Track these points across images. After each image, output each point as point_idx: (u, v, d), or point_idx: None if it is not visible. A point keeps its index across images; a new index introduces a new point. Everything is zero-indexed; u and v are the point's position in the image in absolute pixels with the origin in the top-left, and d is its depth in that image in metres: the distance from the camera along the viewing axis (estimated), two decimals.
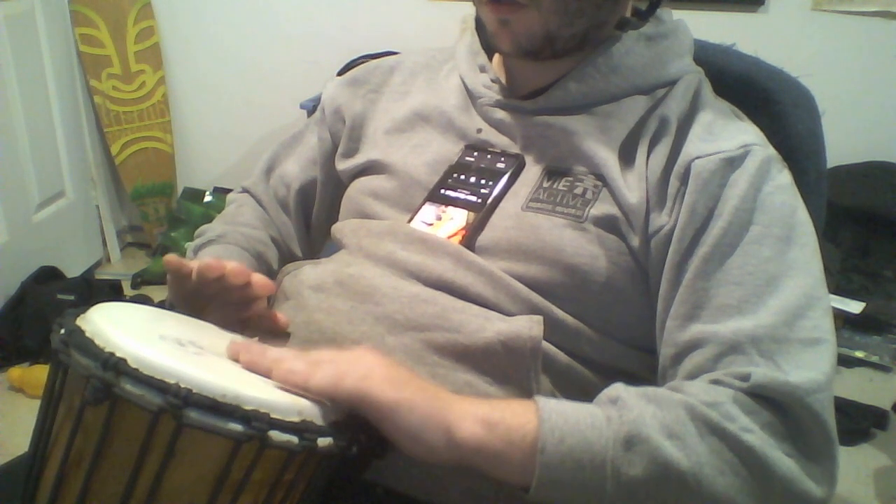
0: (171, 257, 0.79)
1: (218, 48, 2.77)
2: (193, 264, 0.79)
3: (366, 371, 0.64)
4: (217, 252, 0.92)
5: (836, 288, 2.24)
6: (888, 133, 2.39)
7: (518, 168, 0.85)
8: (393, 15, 2.60)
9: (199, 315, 0.81)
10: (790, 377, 0.67)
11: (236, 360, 0.68)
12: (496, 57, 0.92)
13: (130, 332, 0.61)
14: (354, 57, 2.45)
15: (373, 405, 0.63)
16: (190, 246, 0.97)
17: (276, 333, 0.82)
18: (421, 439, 0.63)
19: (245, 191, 1.08)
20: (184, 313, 0.80)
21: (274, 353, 0.68)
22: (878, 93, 2.37)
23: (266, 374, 0.65)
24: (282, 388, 0.64)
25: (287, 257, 1.04)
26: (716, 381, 0.69)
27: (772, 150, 0.79)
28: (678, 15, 0.89)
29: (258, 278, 0.80)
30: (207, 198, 2.80)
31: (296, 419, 0.59)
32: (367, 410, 0.63)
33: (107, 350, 0.57)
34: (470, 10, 0.90)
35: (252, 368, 0.67)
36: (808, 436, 0.67)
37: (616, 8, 0.83)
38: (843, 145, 2.19)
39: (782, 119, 0.91)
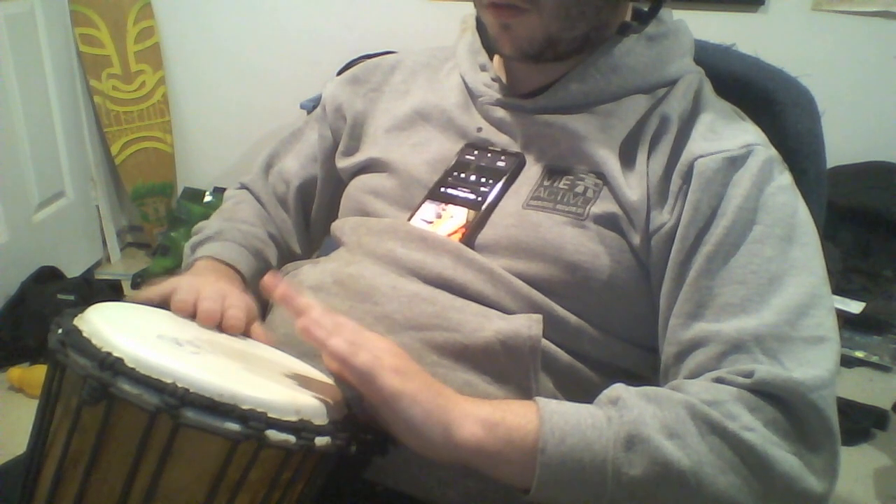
0: (139, 294, 0.78)
1: (218, 48, 2.77)
2: (165, 294, 0.77)
3: (377, 354, 0.64)
4: (215, 250, 0.92)
5: (836, 288, 2.24)
6: (888, 133, 2.39)
7: (518, 167, 0.85)
8: (393, 15, 2.60)
9: None
10: (794, 374, 0.67)
11: (272, 294, 0.69)
12: (497, 56, 0.92)
13: (128, 331, 0.60)
14: (354, 57, 2.45)
15: (377, 388, 0.63)
16: (188, 243, 0.96)
17: None
18: (419, 433, 0.63)
19: (243, 187, 1.07)
20: None
21: (306, 300, 0.69)
22: (878, 93, 2.37)
23: (296, 314, 0.67)
24: (280, 387, 0.64)
25: (285, 254, 1.03)
26: (718, 379, 0.69)
27: (773, 151, 0.80)
28: (678, 15, 0.89)
29: (230, 320, 0.77)
30: (207, 198, 2.80)
31: (293, 418, 0.59)
32: (370, 393, 0.63)
33: (104, 350, 0.57)
34: (470, 10, 0.90)
35: (285, 303, 0.68)
36: (811, 432, 0.67)
37: (616, 10, 0.83)
38: (843, 145, 2.19)
39: (782, 119, 0.91)
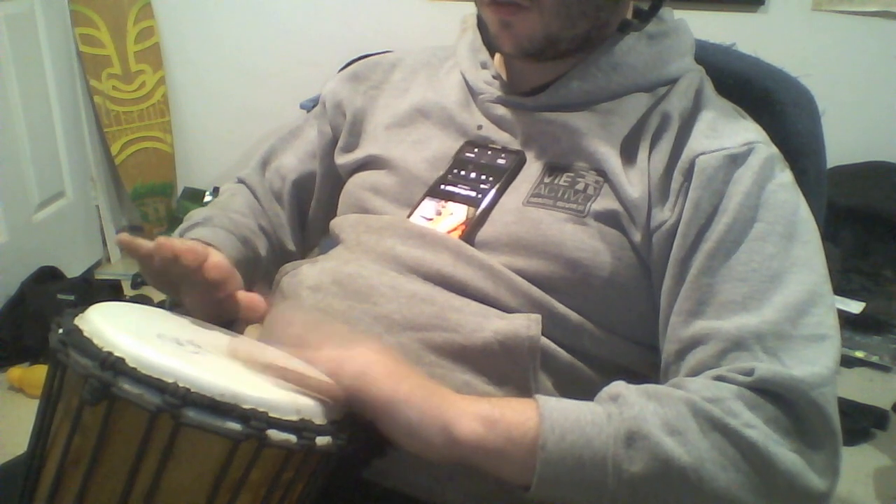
0: (122, 237, 0.77)
1: (218, 48, 2.78)
2: (149, 244, 0.78)
3: (364, 365, 0.64)
4: (202, 234, 0.91)
5: (836, 288, 2.23)
6: (888, 133, 2.39)
7: (519, 164, 0.85)
8: (393, 15, 2.60)
9: (175, 295, 0.81)
10: (794, 372, 0.67)
11: (235, 358, 0.67)
12: (497, 54, 0.92)
13: (128, 331, 0.60)
14: (354, 57, 2.44)
15: (369, 400, 0.63)
16: (177, 230, 0.96)
17: (256, 318, 0.81)
18: (418, 435, 0.63)
19: (240, 181, 1.07)
20: (182, 313, 0.80)
21: (268, 355, 0.68)
22: (878, 93, 2.37)
23: (265, 371, 0.65)
24: (280, 386, 0.64)
25: (277, 249, 1.03)
26: (719, 377, 0.69)
27: (774, 149, 0.80)
28: (678, 14, 0.89)
29: (212, 262, 0.78)
30: (207, 198, 2.80)
31: (294, 418, 0.59)
32: (364, 406, 0.63)
33: (105, 349, 0.57)
34: (470, 10, 0.90)
35: (251, 363, 0.66)
36: (812, 430, 0.67)
37: (617, 8, 0.83)
38: (843, 145, 2.18)
39: (782, 119, 0.91)
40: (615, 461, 0.63)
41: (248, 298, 0.80)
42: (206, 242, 0.89)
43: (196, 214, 0.97)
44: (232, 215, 0.97)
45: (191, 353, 0.63)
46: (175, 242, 0.77)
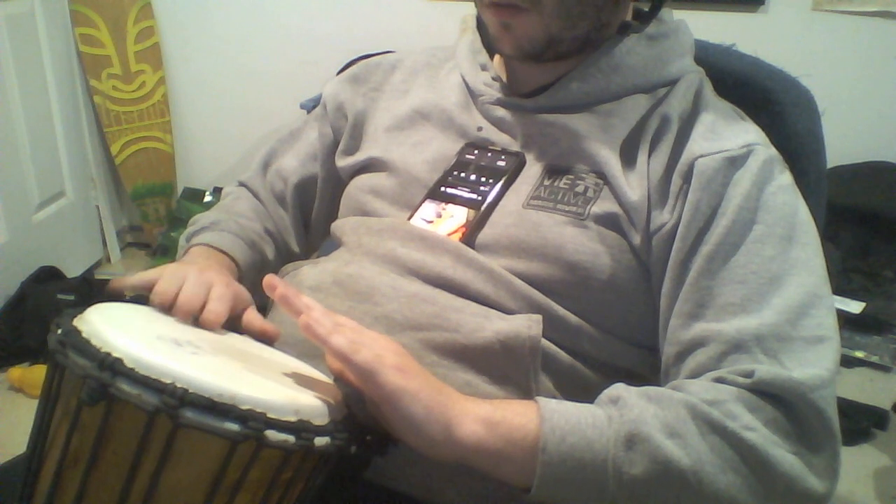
0: (112, 285, 0.77)
1: (218, 48, 2.77)
2: (140, 284, 0.77)
3: (381, 351, 0.64)
4: (210, 238, 0.91)
5: (836, 288, 2.23)
6: (888, 133, 2.39)
7: (519, 166, 0.85)
8: (392, 15, 2.60)
9: None
10: (794, 374, 0.67)
11: (273, 292, 0.69)
12: (497, 55, 0.92)
13: (127, 332, 0.60)
14: (354, 57, 2.45)
15: (378, 385, 0.63)
16: (183, 234, 0.96)
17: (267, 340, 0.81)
18: (420, 430, 0.63)
19: (241, 185, 1.07)
20: None
21: (306, 300, 0.69)
22: (878, 93, 2.37)
23: (295, 315, 0.66)
24: (279, 387, 0.64)
25: (283, 251, 1.03)
26: (719, 379, 0.69)
27: (773, 151, 0.80)
28: (678, 15, 0.89)
29: (208, 314, 0.75)
30: (207, 198, 2.80)
31: (292, 419, 0.59)
32: (371, 390, 0.63)
33: (103, 350, 0.57)
34: (470, 10, 0.90)
35: (285, 303, 0.68)
36: (812, 432, 0.67)
37: (617, 10, 0.83)
38: (843, 145, 2.19)
39: (782, 119, 0.91)
40: (615, 463, 0.63)
41: (258, 326, 0.80)
42: (215, 247, 0.89)
43: (202, 218, 0.97)
44: (238, 219, 0.98)
45: (189, 354, 0.63)
46: (170, 294, 0.75)
